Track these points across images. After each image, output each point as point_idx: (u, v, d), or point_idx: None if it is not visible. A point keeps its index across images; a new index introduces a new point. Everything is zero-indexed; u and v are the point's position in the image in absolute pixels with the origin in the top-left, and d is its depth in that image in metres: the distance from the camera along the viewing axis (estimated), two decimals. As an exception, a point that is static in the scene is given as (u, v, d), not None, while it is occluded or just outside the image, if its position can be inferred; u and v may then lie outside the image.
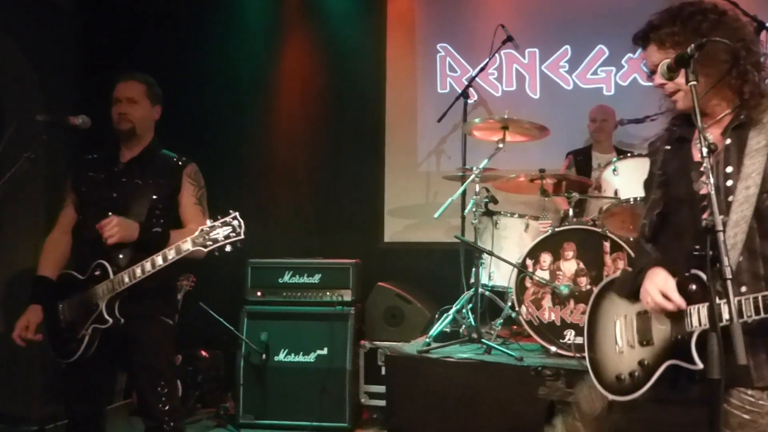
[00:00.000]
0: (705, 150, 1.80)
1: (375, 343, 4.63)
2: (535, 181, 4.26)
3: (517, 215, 4.39)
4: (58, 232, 3.01)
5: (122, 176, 2.92)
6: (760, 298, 1.73)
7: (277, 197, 5.71)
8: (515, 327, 4.33)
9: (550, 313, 3.87)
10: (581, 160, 5.03)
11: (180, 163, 2.99)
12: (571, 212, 4.19)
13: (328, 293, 4.73)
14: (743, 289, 1.83)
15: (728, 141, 1.93)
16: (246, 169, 5.75)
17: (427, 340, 4.00)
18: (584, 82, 5.43)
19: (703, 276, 1.82)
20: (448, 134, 5.49)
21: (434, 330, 4.13)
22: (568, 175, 4.42)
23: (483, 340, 3.85)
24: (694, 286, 1.86)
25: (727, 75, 1.90)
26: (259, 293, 4.80)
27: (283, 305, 4.74)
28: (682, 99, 1.98)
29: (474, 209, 4.21)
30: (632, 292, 2.04)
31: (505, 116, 4.16)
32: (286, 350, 4.66)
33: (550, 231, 3.96)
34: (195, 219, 2.90)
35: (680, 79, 1.92)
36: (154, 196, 2.88)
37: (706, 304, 1.80)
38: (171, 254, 2.64)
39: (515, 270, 3.94)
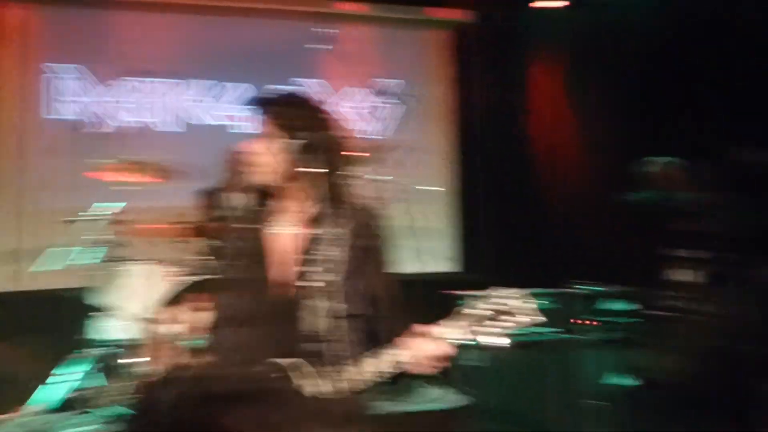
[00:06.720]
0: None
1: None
2: (167, 226, 4.08)
3: (143, 261, 4.12)
4: None
5: None
6: None
7: None
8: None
9: (179, 367, 3.72)
10: (214, 199, 5.00)
11: None
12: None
13: None
14: None
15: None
16: None
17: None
18: (218, 119, 5.42)
19: None
20: (63, 168, 4.84)
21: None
22: (196, 222, 4.31)
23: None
24: None
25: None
26: None
27: None
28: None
29: (95, 257, 3.93)
30: None
31: (135, 157, 3.95)
32: None
33: (182, 281, 3.82)
34: None
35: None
36: None
37: None
38: None
39: (141, 323, 3.71)
